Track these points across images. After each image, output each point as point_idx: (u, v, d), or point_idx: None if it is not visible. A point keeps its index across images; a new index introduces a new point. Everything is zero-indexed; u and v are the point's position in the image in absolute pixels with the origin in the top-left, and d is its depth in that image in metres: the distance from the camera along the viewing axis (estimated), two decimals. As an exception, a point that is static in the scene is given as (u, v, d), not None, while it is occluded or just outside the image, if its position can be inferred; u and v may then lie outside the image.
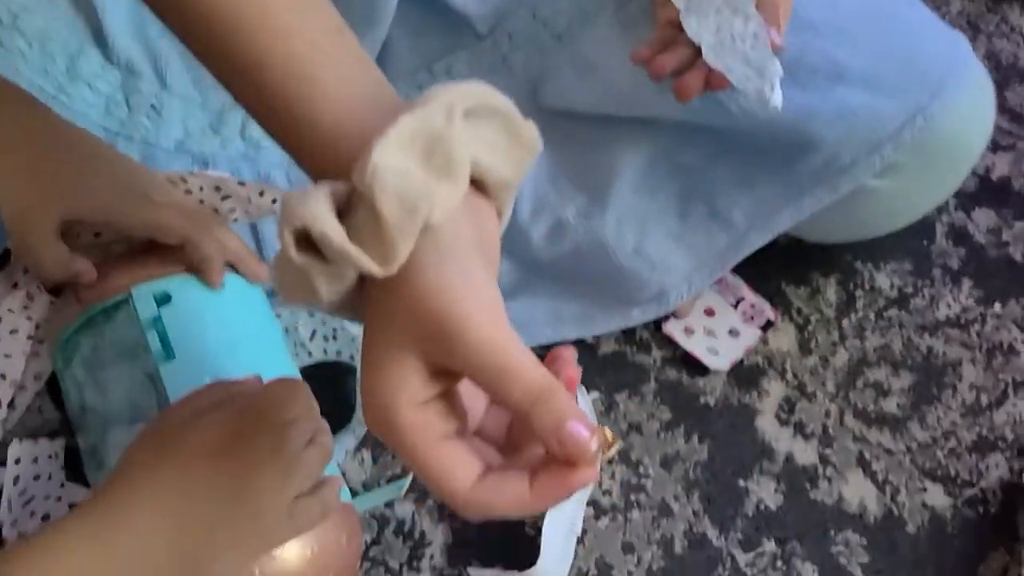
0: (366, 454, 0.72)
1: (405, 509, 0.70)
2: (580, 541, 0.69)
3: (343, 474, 0.70)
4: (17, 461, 0.59)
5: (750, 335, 0.76)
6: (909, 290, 0.79)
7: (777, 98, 0.58)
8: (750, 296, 0.78)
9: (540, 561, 0.64)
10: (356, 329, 0.70)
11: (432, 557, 0.68)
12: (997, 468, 0.72)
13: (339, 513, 0.57)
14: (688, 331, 0.76)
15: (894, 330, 0.78)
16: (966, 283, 0.80)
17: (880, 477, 0.72)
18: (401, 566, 0.68)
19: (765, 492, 0.71)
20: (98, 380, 0.58)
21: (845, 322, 0.78)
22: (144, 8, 0.45)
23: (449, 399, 0.37)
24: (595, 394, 0.74)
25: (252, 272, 0.63)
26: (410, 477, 0.70)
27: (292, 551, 0.54)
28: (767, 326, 0.77)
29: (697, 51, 0.61)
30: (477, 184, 0.39)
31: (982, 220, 0.83)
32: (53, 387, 0.69)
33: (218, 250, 0.60)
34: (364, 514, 0.69)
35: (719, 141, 0.68)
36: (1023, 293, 0.80)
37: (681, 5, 0.62)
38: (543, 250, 0.74)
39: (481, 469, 0.36)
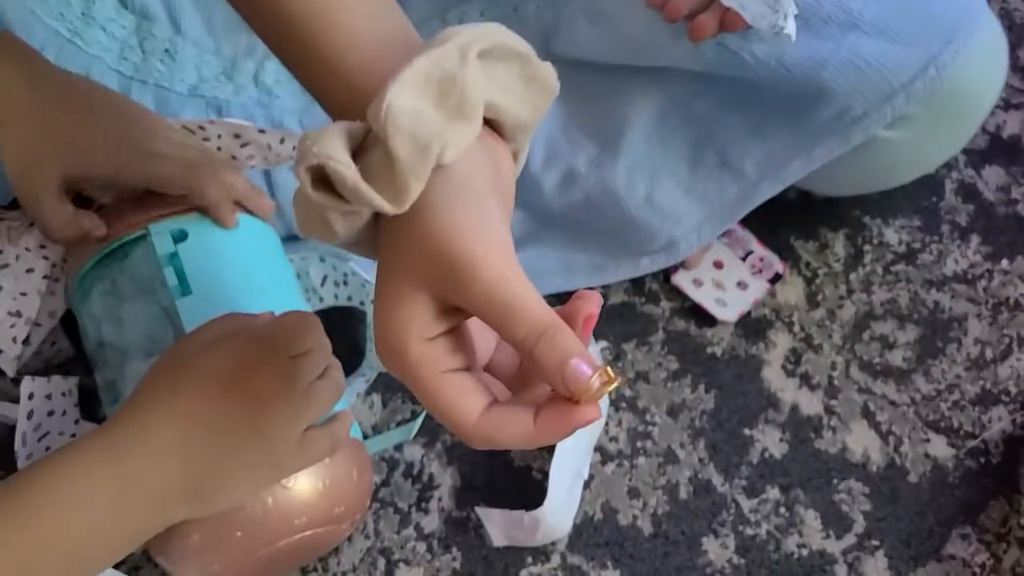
0: (376, 398, 0.73)
1: (414, 452, 0.71)
2: (587, 486, 0.70)
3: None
4: (31, 396, 0.60)
5: (758, 287, 0.77)
6: (917, 245, 0.80)
7: (791, 28, 0.58)
8: (759, 249, 0.78)
9: (547, 502, 0.65)
10: (367, 275, 0.71)
11: (440, 499, 0.70)
12: (1000, 421, 0.73)
13: (350, 448, 0.58)
14: (697, 283, 0.77)
15: (901, 284, 0.78)
16: (974, 239, 0.80)
17: (884, 428, 0.73)
18: (410, 507, 0.69)
19: (770, 441, 0.72)
20: (116, 314, 0.58)
21: (853, 276, 0.78)
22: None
23: (457, 335, 0.38)
24: (603, 343, 0.75)
25: (259, 208, 0.64)
26: (420, 420, 0.71)
27: (304, 482, 0.55)
28: (775, 279, 0.77)
29: None
30: (493, 125, 0.39)
31: (991, 178, 0.83)
32: (68, 325, 0.70)
33: (223, 193, 0.61)
34: (374, 456, 0.71)
35: (731, 91, 0.68)
36: (1030, 250, 0.80)
37: None
38: (554, 200, 0.74)
39: (487, 402, 0.37)
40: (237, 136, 0.65)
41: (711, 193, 0.71)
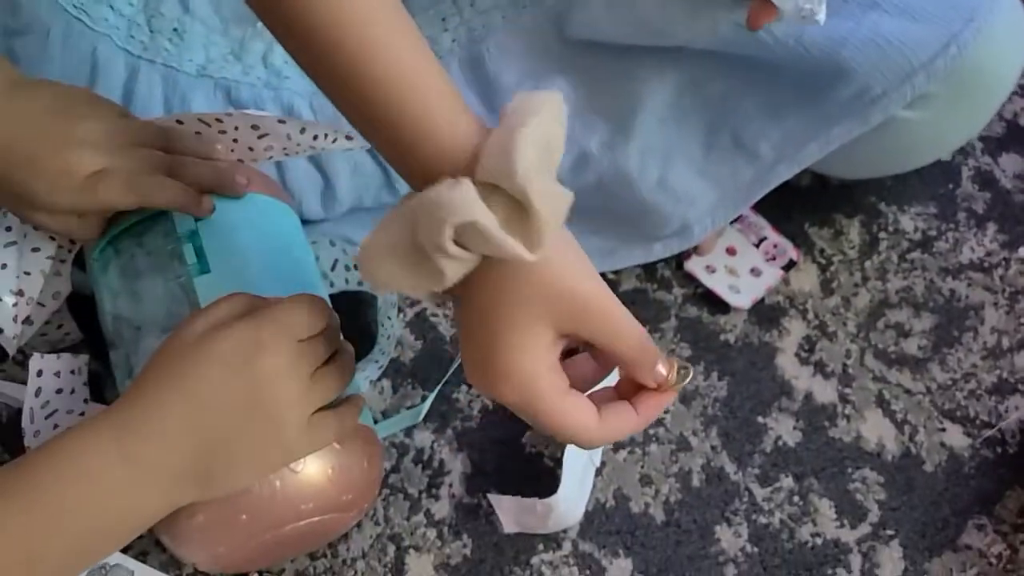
0: (386, 383, 0.72)
1: (424, 438, 0.70)
2: (598, 473, 0.69)
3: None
4: (39, 374, 0.59)
5: (772, 274, 0.76)
6: (933, 233, 0.79)
7: (822, 13, 0.57)
8: (773, 236, 0.77)
9: (560, 490, 0.64)
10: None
11: (451, 486, 0.69)
12: (1016, 410, 0.72)
13: (361, 436, 0.58)
14: (709, 269, 0.76)
15: (917, 272, 0.77)
16: (991, 227, 0.79)
17: (899, 417, 0.72)
18: (420, 493, 0.68)
19: (783, 429, 0.71)
20: (132, 289, 0.58)
21: (868, 263, 0.77)
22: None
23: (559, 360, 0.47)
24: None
25: (231, 190, 0.61)
26: (428, 403, 0.70)
27: (314, 468, 0.54)
28: (789, 266, 0.76)
29: None
30: None
31: (1008, 165, 0.82)
32: (76, 310, 0.69)
33: (176, 196, 0.58)
34: (384, 442, 0.70)
35: (748, 71, 0.67)
36: (1048, 239, 0.79)
37: None
38: (566, 183, 0.71)
39: (595, 408, 0.47)
40: (255, 128, 0.63)
41: (725, 176, 0.70)
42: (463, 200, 0.41)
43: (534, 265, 0.43)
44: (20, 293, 0.61)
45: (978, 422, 0.72)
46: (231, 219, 0.60)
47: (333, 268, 0.73)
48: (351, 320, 0.71)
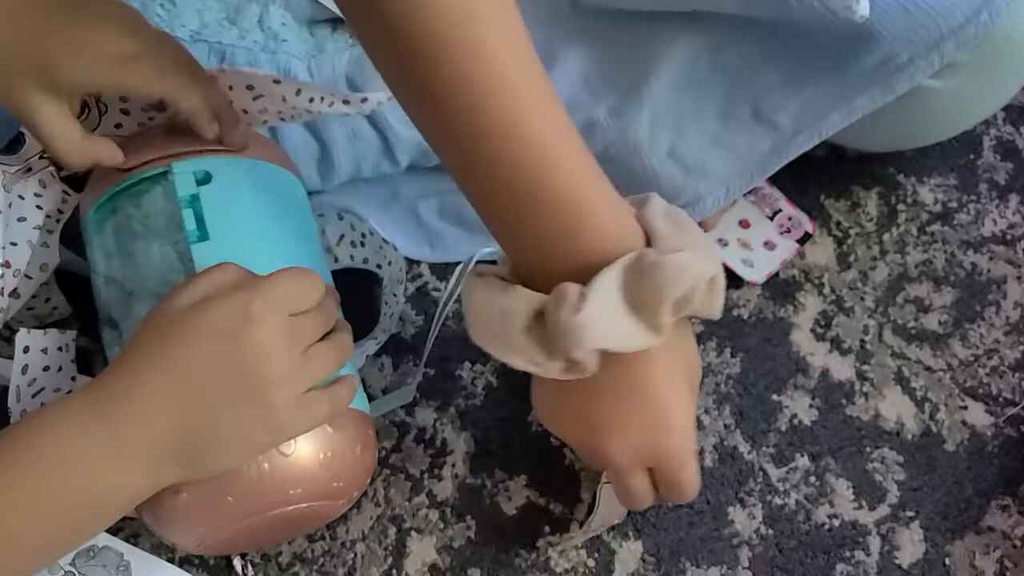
0: (386, 360, 0.70)
1: (426, 416, 0.68)
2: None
3: (362, 381, 0.68)
4: (26, 350, 0.56)
5: (787, 248, 0.73)
6: (953, 205, 0.76)
7: (864, 8, 0.54)
8: (788, 208, 0.75)
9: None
10: (385, 235, 0.68)
11: (454, 466, 0.66)
12: (1041, 387, 0.69)
13: (354, 422, 0.55)
14: (722, 242, 0.73)
15: (937, 245, 0.74)
16: (1013, 199, 0.76)
17: (919, 394, 0.69)
18: (422, 474, 0.66)
19: (799, 407, 0.69)
20: (127, 251, 0.55)
21: (886, 236, 0.75)
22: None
23: None
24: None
25: (229, 136, 0.59)
26: (417, 380, 0.67)
27: (304, 451, 0.52)
28: (804, 239, 0.74)
29: None
30: None
31: (1031, 135, 0.79)
32: (63, 285, 0.67)
33: (201, 104, 0.56)
34: (384, 421, 0.67)
35: (768, 37, 0.64)
36: (1072, 211, 0.76)
37: None
38: None
39: None
40: (250, 88, 0.60)
41: (742, 146, 0.67)
42: (698, 265, 0.49)
43: (687, 339, 0.55)
44: (7, 265, 0.59)
45: (1001, 400, 0.69)
46: (235, 187, 0.58)
47: (339, 243, 0.71)
48: (355, 297, 0.69)
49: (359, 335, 0.66)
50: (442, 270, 0.73)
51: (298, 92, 0.60)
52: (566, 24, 0.71)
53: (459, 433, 0.67)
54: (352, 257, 0.71)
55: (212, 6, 0.70)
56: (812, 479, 0.66)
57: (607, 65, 0.70)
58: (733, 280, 0.72)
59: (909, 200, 0.76)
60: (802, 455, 0.67)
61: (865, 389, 0.69)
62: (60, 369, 0.58)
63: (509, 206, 0.49)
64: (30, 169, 0.60)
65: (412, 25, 0.44)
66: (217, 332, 0.45)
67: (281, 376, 0.46)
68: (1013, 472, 0.66)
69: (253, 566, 0.63)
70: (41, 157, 0.60)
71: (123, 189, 0.56)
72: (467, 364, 0.70)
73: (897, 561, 0.64)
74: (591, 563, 0.63)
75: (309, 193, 0.74)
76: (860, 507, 0.65)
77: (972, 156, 0.78)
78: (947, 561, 0.64)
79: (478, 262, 0.57)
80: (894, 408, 0.69)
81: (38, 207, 0.60)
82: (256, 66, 0.69)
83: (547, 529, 0.64)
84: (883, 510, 0.65)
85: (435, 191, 0.75)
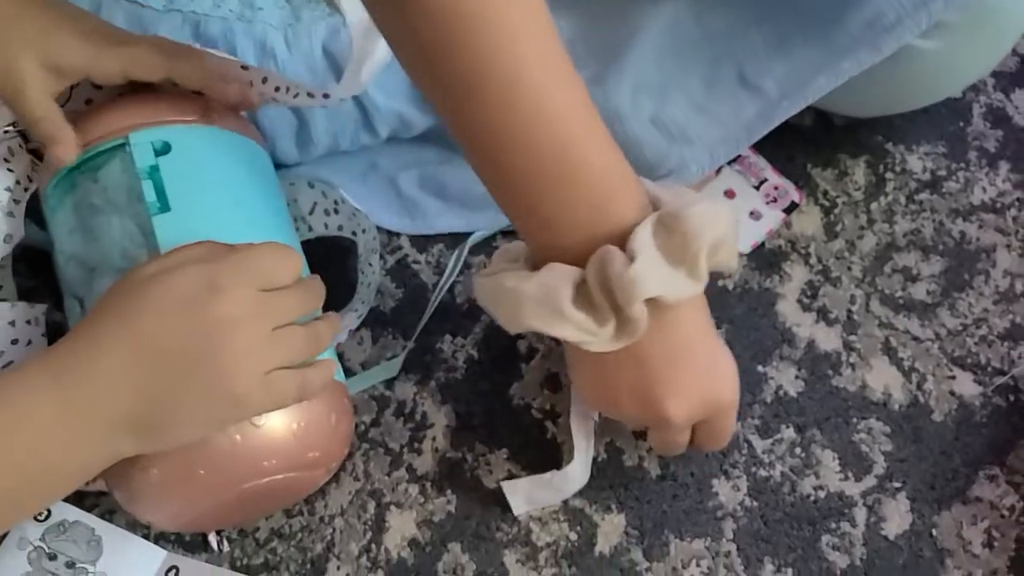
0: (366, 333, 0.68)
1: (406, 390, 0.67)
2: (590, 425, 0.65)
3: (340, 356, 0.67)
4: (-7, 323, 0.55)
5: (773, 218, 0.72)
6: (942, 173, 0.75)
7: None
8: (774, 177, 0.73)
9: (576, 457, 0.61)
10: (356, 203, 0.67)
11: (434, 439, 0.65)
12: (1030, 356, 0.68)
13: (329, 391, 0.54)
14: (707, 212, 0.72)
15: (925, 214, 0.73)
16: (1003, 166, 0.75)
17: (906, 364, 0.68)
18: (402, 448, 0.65)
19: (785, 378, 0.68)
20: (88, 227, 0.54)
21: (874, 205, 0.73)
22: None
23: None
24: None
25: (221, 96, 0.59)
26: (403, 355, 0.66)
27: (276, 422, 0.51)
28: (791, 208, 0.72)
29: None
30: None
31: (1022, 101, 0.77)
32: (30, 256, 0.66)
33: (205, 77, 0.57)
34: (363, 395, 0.66)
35: (754, 2, 0.63)
36: (1063, 179, 0.75)
37: None
38: None
39: None
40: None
41: (726, 112, 0.66)
42: (724, 211, 0.51)
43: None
44: None
45: (989, 369, 0.68)
46: (196, 156, 0.56)
47: (312, 212, 0.70)
48: (330, 267, 0.68)
49: (335, 304, 0.65)
50: (422, 242, 0.72)
51: (264, 80, 0.59)
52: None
53: (439, 407, 0.66)
54: (326, 225, 0.70)
55: (186, -25, 0.68)
56: (798, 450, 0.65)
57: (590, 33, 0.69)
58: (718, 250, 0.71)
59: (897, 168, 0.75)
60: (788, 426, 0.66)
61: (852, 360, 0.68)
62: (29, 343, 0.57)
63: (537, 183, 0.50)
64: None
65: (443, 6, 0.46)
66: (180, 300, 0.44)
67: (244, 349, 0.45)
68: (1001, 442, 0.66)
69: (229, 542, 0.62)
70: (5, 131, 0.59)
71: (80, 163, 0.55)
72: (448, 337, 0.68)
73: (883, 532, 0.63)
74: (573, 536, 0.62)
75: (287, 166, 0.72)
76: (846, 478, 0.64)
77: (962, 124, 0.77)
78: (934, 532, 0.63)
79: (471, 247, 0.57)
80: (881, 378, 0.68)
81: (9, 170, 0.59)
82: (230, 36, 0.67)
83: (529, 503, 0.63)
84: (869, 481, 0.64)
85: (415, 162, 0.74)
